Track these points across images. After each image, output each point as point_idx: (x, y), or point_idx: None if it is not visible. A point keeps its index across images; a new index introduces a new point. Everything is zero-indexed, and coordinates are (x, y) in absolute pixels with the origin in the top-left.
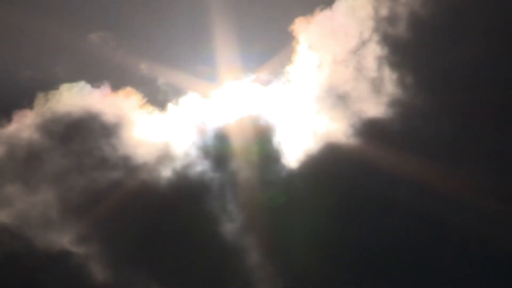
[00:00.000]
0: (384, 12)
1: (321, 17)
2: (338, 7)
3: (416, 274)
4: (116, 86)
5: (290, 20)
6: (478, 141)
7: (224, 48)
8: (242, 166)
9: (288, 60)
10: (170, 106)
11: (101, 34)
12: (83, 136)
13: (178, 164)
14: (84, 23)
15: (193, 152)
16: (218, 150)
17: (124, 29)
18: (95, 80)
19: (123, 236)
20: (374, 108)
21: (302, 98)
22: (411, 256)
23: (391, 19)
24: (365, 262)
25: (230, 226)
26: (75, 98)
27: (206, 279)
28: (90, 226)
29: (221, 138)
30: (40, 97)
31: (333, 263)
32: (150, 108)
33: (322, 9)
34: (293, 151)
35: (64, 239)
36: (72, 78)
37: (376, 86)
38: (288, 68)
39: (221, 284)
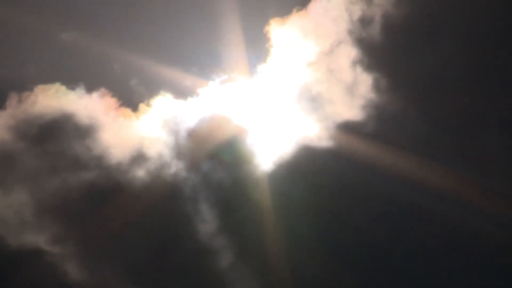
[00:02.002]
0: (359, 14)
1: (297, 18)
2: (313, 9)
3: (405, 274)
4: (91, 87)
5: (266, 21)
6: (453, 142)
7: (198, 48)
8: (215, 167)
9: (262, 60)
10: (144, 107)
11: (74, 33)
12: (58, 137)
13: (153, 165)
14: (56, 22)
15: (167, 153)
16: (192, 151)
17: (97, 28)
18: (70, 81)
19: (98, 236)
20: (349, 110)
21: (276, 99)
22: (385, 253)
23: (366, 21)
24: (344, 261)
25: (205, 227)
26: (50, 100)
27: (181, 279)
28: (64, 226)
29: (195, 139)
30: (13, 98)
31: (309, 263)
32: (125, 109)
33: (298, 10)
34: (267, 152)
35: (38, 239)
36: (46, 78)
37: (350, 88)
38: (263, 69)
39: (195, 284)
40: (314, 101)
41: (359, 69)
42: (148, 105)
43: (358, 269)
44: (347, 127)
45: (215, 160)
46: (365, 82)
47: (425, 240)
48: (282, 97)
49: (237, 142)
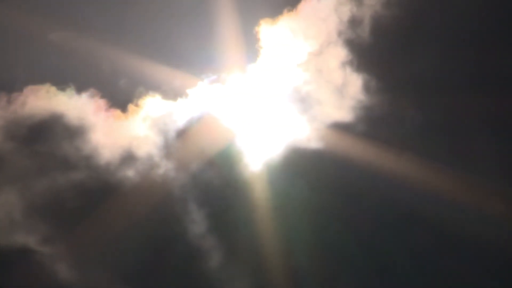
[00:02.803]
0: (350, 15)
1: (287, 19)
2: (303, 9)
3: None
4: (81, 88)
5: (256, 21)
6: (446, 142)
7: (188, 48)
8: (206, 168)
9: (252, 61)
10: (134, 107)
11: (62, 33)
12: (48, 138)
13: (143, 166)
14: (46, 22)
15: (158, 154)
16: (183, 151)
17: (87, 28)
18: (60, 82)
19: (87, 237)
20: (339, 110)
21: (266, 99)
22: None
23: (357, 23)
24: (338, 262)
25: (195, 228)
26: (40, 100)
27: (172, 280)
28: (54, 226)
29: (186, 139)
30: (2, 99)
31: (301, 264)
32: (115, 109)
33: (289, 11)
34: (256, 153)
35: (28, 239)
36: (36, 79)
37: (340, 89)
38: (253, 69)
39: (187, 285)
40: (304, 101)
41: (350, 70)
42: (138, 105)
43: (350, 270)
44: (337, 128)
45: (205, 161)
46: (355, 82)
47: (419, 238)
48: (272, 97)
49: (227, 143)
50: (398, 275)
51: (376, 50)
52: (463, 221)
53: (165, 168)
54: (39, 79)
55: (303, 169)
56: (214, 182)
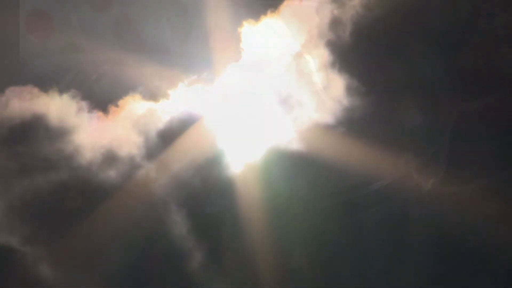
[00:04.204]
0: (331, 17)
1: (270, 20)
2: (285, 11)
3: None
4: (64, 89)
5: (239, 22)
6: (429, 143)
7: (170, 49)
8: (185, 168)
9: (234, 62)
10: (116, 108)
11: (43, 34)
12: (30, 140)
13: (125, 167)
14: (22, 22)
15: (140, 155)
16: (165, 153)
17: (71, 29)
18: (43, 83)
19: (69, 238)
20: (319, 112)
21: (248, 100)
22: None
23: (339, 24)
24: (320, 264)
25: (175, 229)
26: (22, 102)
27: (152, 281)
28: (35, 227)
29: (167, 140)
30: None
31: (281, 264)
32: (97, 111)
33: (272, 12)
34: (237, 154)
35: (10, 239)
36: (18, 80)
37: (321, 90)
38: (234, 70)
39: (165, 285)
40: (286, 103)
41: (331, 72)
42: (120, 106)
43: (339, 271)
44: (319, 129)
45: (189, 162)
46: (337, 84)
47: (415, 238)
48: (254, 98)
49: (210, 144)
50: (393, 277)
51: (359, 51)
52: (461, 221)
53: (148, 169)
54: (22, 80)
55: (288, 171)
56: (198, 183)
